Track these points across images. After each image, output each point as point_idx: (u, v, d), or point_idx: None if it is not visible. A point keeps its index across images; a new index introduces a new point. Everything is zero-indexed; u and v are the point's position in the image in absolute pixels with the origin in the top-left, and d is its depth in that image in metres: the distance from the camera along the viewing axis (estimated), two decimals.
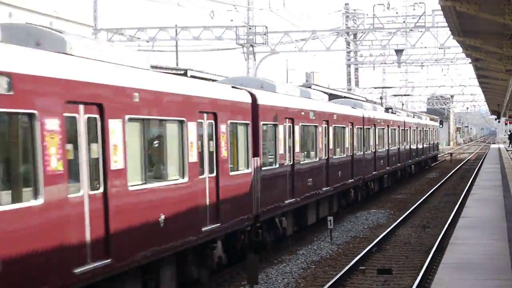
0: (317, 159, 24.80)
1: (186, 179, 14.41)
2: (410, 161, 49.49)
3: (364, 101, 47.88)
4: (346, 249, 22.55)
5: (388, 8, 53.80)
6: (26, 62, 10.11)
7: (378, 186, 38.47)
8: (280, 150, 20.84)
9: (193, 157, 14.79)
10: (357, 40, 61.78)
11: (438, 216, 30.10)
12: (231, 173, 17.11)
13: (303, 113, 22.98)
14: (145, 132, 13.15)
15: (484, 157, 68.47)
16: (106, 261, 11.65)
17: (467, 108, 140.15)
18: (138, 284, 13.34)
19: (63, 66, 11.06)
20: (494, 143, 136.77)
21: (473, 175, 48.24)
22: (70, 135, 10.96)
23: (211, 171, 15.87)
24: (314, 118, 24.23)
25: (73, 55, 11.85)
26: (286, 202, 21.35)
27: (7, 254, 9.46)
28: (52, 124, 10.39)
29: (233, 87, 18.60)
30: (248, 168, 18.38)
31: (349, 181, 29.91)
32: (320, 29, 55.66)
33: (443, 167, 67.08)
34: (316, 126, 24.65)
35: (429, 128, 62.77)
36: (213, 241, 16.29)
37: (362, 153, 32.77)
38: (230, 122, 17.05)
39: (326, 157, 26.31)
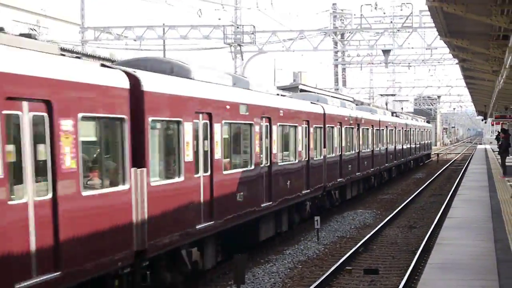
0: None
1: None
2: (410, 157, 56.30)
3: (361, 104, 52.57)
4: (333, 249, 22.56)
5: (375, 8, 53.97)
6: (170, 86, 14.59)
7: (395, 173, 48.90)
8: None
9: None
10: (345, 40, 61.89)
11: (424, 217, 30.17)
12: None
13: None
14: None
15: (471, 158, 68.70)
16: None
17: (454, 108, 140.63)
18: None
19: (190, 88, 15.51)
20: (481, 144, 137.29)
21: (460, 175, 48.38)
22: (172, 135, 14.72)
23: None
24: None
25: (194, 79, 16.36)
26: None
27: None
28: (187, 126, 15.13)
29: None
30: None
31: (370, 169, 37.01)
32: (307, 29, 55.75)
33: (430, 168, 67.25)
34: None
35: (425, 130, 69.75)
36: None
37: (379, 148, 40.05)
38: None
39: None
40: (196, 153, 15.65)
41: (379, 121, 40.41)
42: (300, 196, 24.31)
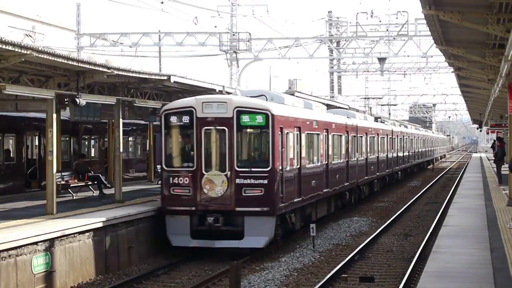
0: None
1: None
2: (423, 159, 73.32)
3: (379, 118, 53.88)
4: (329, 256, 22.53)
5: (371, 16, 53.96)
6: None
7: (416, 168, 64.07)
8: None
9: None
10: (340, 48, 61.90)
11: (420, 225, 30.15)
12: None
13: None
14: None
15: (466, 166, 68.74)
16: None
17: (449, 117, 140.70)
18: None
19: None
20: (476, 152, 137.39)
21: (455, 183, 48.40)
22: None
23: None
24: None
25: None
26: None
27: None
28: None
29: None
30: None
31: (385, 170, 47.44)
32: (303, 36, 55.55)
33: (425, 176, 67.28)
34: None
35: (435, 139, 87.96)
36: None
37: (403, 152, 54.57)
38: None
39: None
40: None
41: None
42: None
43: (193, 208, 21.95)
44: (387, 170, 46.81)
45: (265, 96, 24.97)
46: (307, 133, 26.22)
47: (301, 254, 22.68)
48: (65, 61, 19.17)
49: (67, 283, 18.42)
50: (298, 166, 24.86)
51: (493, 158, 44.19)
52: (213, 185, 21.99)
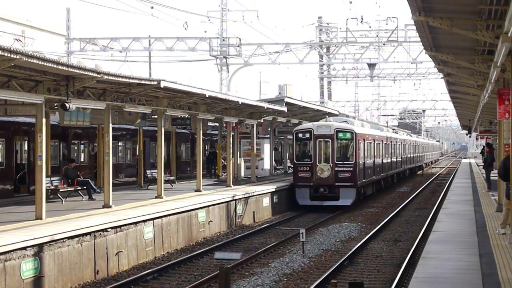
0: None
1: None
2: (425, 161, 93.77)
3: (395, 129, 74.73)
4: (318, 262, 22.54)
5: (361, 22, 54.05)
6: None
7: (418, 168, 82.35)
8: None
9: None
10: (330, 53, 62.01)
11: (409, 230, 30.20)
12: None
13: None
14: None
15: (455, 172, 68.89)
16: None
17: (439, 122, 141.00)
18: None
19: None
20: (465, 158, 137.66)
21: (444, 189, 48.51)
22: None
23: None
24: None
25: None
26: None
27: None
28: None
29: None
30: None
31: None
32: (293, 42, 55.70)
33: (414, 181, 67.40)
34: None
35: (430, 145, 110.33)
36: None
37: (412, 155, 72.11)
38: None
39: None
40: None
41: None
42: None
43: (311, 184, 38.70)
44: (402, 166, 63.75)
45: (347, 121, 42.81)
46: (367, 142, 42.48)
47: (291, 259, 22.67)
48: (55, 66, 19.13)
49: None
50: (364, 161, 41.54)
51: (482, 164, 44.28)
52: (323, 171, 38.78)
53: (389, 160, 53.08)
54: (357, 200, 39.70)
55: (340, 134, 38.90)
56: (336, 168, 38.50)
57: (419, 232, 27.65)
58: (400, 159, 60.75)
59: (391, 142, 54.34)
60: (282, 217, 35.90)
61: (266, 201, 35.93)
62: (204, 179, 37.84)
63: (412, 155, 72.62)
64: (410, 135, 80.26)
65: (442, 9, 17.04)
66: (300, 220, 34.23)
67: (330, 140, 38.72)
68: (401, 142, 62.38)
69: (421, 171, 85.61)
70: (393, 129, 71.43)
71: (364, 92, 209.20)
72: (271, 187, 37.05)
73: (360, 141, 39.86)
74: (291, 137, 42.23)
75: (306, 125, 41.73)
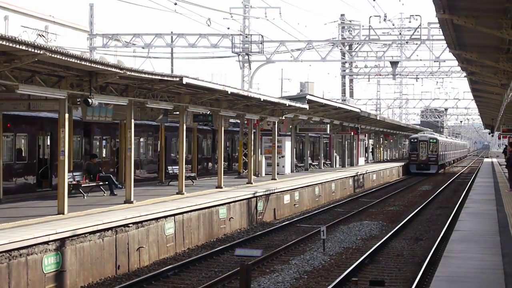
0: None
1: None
2: (460, 155, 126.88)
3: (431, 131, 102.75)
4: (339, 259, 22.50)
5: (384, 20, 53.84)
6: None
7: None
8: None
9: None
10: (353, 51, 61.84)
11: (431, 229, 30.07)
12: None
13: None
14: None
15: (477, 171, 68.55)
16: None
17: (461, 121, 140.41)
18: None
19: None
20: (488, 157, 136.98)
21: (466, 188, 48.26)
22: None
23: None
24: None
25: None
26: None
27: None
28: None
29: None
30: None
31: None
32: (315, 39, 55.63)
33: (436, 180, 67.15)
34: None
35: (464, 145, 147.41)
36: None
37: (455, 150, 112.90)
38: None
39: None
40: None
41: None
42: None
43: (417, 162, 76.07)
44: (453, 156, 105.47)
45: (433, 134, 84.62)
46: (444, 144, 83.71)
47: (312, 257, 22.65)
48: (78, 61, 19.20)
49: (78, 282, 18.46)
50: (441, 153, 79.01)
51: (505, 164, 44.00)
52: (422, 156, 75.92)
53: (448, 152, 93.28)
54: (438, 170, 77.91)
55: (431, 140, 76.95)
56: (429, 155, 76.06)
57: (441, 231, 27.53)
58: (451, 152, 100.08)
59: (449, 143, 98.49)
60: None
61: (287, 198, 35.95)
62: (225, 175, 37.86)
63: (455, 150, 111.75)
64: (454, 139, 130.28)
65: (466, 7, 16.95)
66: (321, 218, 34.20)
67: (426, 142, 76.50)
68: (451, 143, 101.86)
69: (442, 170, 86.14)
70: (450, 136, 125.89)
71: (386, 90, 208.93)
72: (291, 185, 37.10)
73: (439, 143, 77.93)
74: (406, 141, 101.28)
75: (414, 135, 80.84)
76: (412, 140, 77.51)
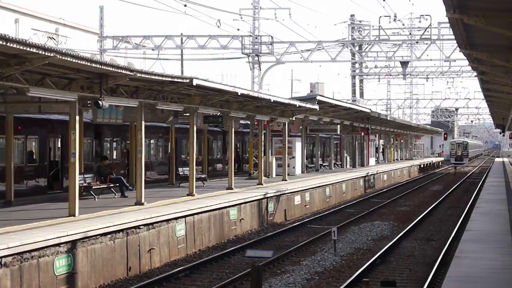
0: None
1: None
2: (477, 153, 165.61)
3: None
4: (350, 260, 22.47)
5: (394, 20, 53.76)
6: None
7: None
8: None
9: None
10: (363, 51, 61.79)
11: (442, 229, 30.00)
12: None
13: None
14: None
15: (488, 171, 68.37)
16: None
17: (472, 121, 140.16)
18: None
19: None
20: (499, 157, 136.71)
21: (477, 188, 48.13)
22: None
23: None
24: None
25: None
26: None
27: None
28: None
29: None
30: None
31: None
32: (325, 40, 55.59)
33: (447, 180, 66.99)
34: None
35: (481, 145, 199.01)
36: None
37: (476, 149, 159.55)
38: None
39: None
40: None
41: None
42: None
43: (455, 156, 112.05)
44: (474, 154, 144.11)
45: (466, 139, 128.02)
46: (470, 144, 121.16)
47: (323, 257, 22.63)
48: (88, 64, 19.23)
49: (89, 284, 18.49)
50: (470, 150, 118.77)
51: None
52: (457, 152, 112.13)
53: (473, 150, 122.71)
54: (467, 161, 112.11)
55: (463, 142, 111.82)
56: (462, 152, 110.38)
57: (452, 231, 27.45)
58: (474, 150, 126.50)
59: (473, 144, 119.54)
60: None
61: (298, 199, 35.93)
62: (236, 177, 37.88)
63: (476, 149, 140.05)
64: (476, 141, 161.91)
65: (477, 6, 16.88)
66: (332, 219, 34.19)
67: (461, 144, 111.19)
68: (474, 144, 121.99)
69: (454, 169, 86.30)
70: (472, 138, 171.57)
71: (396, 91, 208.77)
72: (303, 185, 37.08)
73: (468, 144, 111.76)
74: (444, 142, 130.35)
75: (453, 140, 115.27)
76: (451, 142, 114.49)
